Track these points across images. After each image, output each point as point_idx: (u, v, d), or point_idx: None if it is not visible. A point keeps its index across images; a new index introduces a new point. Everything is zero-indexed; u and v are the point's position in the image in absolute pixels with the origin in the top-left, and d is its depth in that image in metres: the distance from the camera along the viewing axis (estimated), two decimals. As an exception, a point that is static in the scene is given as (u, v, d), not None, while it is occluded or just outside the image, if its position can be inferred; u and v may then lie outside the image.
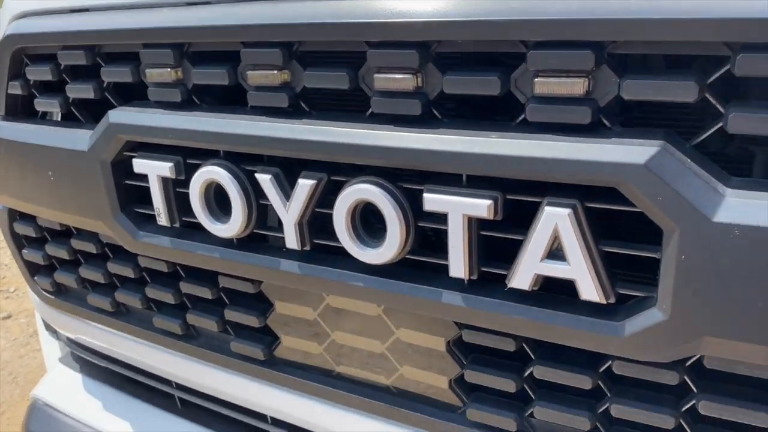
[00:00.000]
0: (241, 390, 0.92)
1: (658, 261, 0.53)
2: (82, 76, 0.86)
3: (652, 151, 0.50)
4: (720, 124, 0.50)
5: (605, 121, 0.55)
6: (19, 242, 1.05)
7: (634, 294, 0.56)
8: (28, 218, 1.01)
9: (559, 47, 0.53)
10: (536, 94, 0.55)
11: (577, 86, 0.53)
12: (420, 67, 0.60)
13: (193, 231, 0.80)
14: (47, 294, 1.06)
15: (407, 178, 0.63)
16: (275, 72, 0.67)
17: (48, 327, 1.25)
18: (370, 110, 0.64)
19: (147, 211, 0.83)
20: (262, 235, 0.76)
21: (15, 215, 1.02)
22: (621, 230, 0.57)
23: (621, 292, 0.56)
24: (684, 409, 0.60)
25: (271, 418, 0.96)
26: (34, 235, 1.01)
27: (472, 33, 0.56)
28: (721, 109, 0.50)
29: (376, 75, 0.62)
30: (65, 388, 1.17)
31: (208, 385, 0.97)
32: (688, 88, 0.50)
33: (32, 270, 1.05)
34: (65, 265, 1.02)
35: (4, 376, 3.33)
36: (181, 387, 1.05)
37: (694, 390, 0.59)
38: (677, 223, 0.50)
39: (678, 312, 0.53)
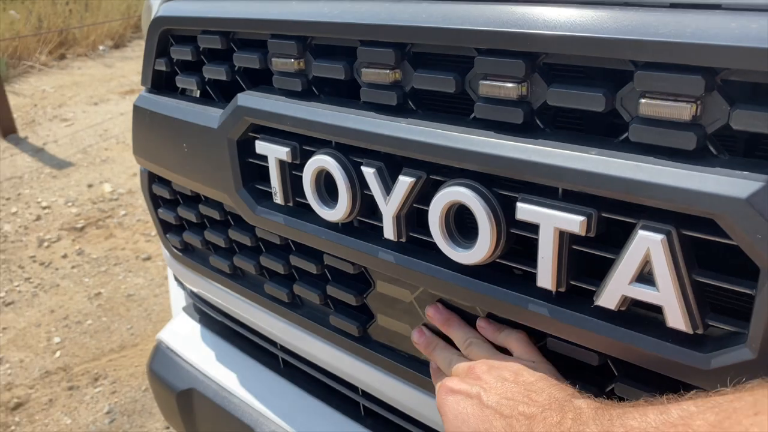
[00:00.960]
0: (336, 360, 0.98)
1: (753, 298, 0.51)
2: (217, 58, 0.94)
3: (756, 186, 0.48)
4: (838, 164, 0.47)
5: (711, 149, 0.53)
6: (156, 202, 1.16)
7: (725, 328, 0.55)
8: (164, 182, 1.12)
9: (669, 70, 0.52)
10: (641, 114, 0.54)
11: (684, 111, 0.51)
12: (525, 77, 0.60)
13: (304, 211, 0.86)
14: (176, 250, 1.17)
15: (503, 185, 0.64)
16: (387, 71, 0.70)
17: (176, 278, 1.38)
18: (473, 115, 0.66)
19: (265, 189, 0.90)
20: (365, 223, 0.80)
21: (154, 178, 1.14)
22: (716, 261, 0.55)
23: (711, 324, 0.55)
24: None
25: (362, 390, 1.02)
26: (168, 197, 1.12)
27: (582, 48, 0.56)
28: (841, 148, 0.47)
29: (482, 81, 0.63)
30: (185, 335, 1.30)
31: (308, 351, 1.04)
32: (805, 124, 0.47)
33: (165, 228, 1.17)
34: (193, 227, 1.12)
35: (141, 312, 3.69)
36: (284, 349, 1.14)
37: (783, 432, 0.56)
38: (774, 262, 0.48)
39: (767, 353, 0.51)
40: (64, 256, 4.28)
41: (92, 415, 2.88)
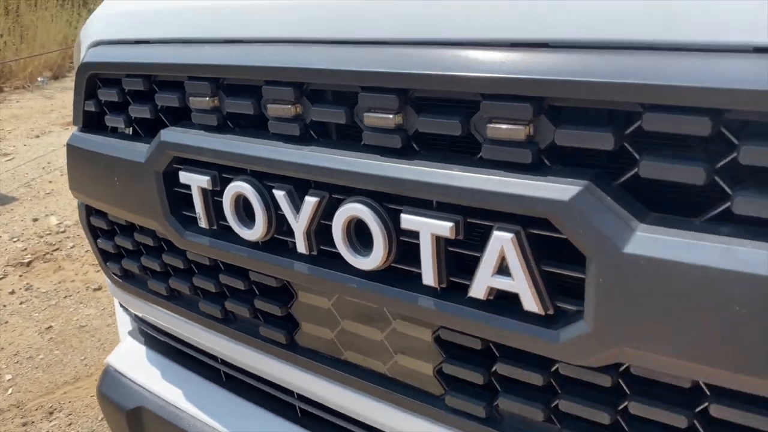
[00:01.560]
0: (270, 368, 1.07)
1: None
2: (142, 98, 1.02)
3: (575, 190, 0.60)
4: (636, 169, 0.59)
5: (546, 161, 0.65)
6: (94, 233, 1.24)
7: (568, 307, 0.66)
8: (101, 213, 1.19)
9: (506, 100, 0.63)
10: (489, 136, 0.66)
11: (520, 132, 0.63)
12: (399, 109, 0.72)
13: (227, 233, 0.95)
14: (117, 278, 1.25)
15: (390, 200, 0.75)
16: (289, 106, 0.80)
17: (120, 304, 1.45)
18: (363, 141, 0.77)
19: (192, 215, 0.99)
20: (281, 240, 0.90)
21: (91, 210, 1.21)
22: (568, 252, 0.67)
23: (559, 305, 0.67)
24: (619, 408, 0.69)
25: (297, 394, 1.11)
26: (105, 228, 1.19)
27: (442, 84, 0.67)
28: (637, 156, 0.59)
29: (365, 114, 0.74)
30: (132, 357, 1.37)
31: (245, 362, 1.13)
32: (606, 138, 0.59)
33: (105, 257, 1.24)
34: (130, 255, 1.20)
35: (94, 342, 3.68)
36: (224, 363, 1.22)
37: (627, 392, 0.68)
38: (594, 251, 0.60)
39: (599, 325, 0.62)
40: (12, 293, 4.22)
41: None
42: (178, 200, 0.99)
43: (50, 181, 6.00)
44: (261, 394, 1.19)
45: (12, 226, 5.15)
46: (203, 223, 0.95)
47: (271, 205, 0.85)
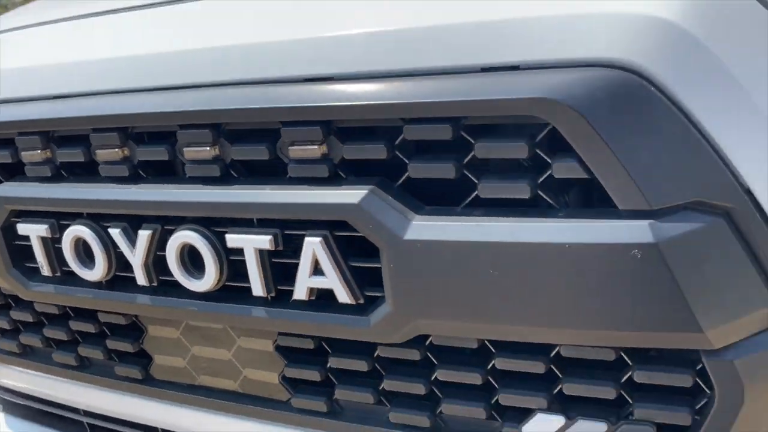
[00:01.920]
0: (131, 408, 1.10)
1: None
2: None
3: (363, 194, 0.72)
4: (407, 172, 0.72)
5: (341, 174, 0.76)
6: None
7: (377, 295, 0.77)
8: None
9: (299, 125, 0.75)
10: (292, 157, 0.77)
11: (314, 151, 0.75)
12: (214, 141, 0.81)
13: (71, 278, 0.99)
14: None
15: (216, 224, 0.84)
16: (116, 150, 0.87)
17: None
18: (187, 174, 0.85)
19: (34, 265, 1.01)
20: (123, 276, 0.95)
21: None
22: (367, 247, 0.78)
23: (367, 294, 0.78)
24: (432, 378, 0.81)
25: (163, 430, 1.14)
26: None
27: (244, 116, 0.78)
28: (406, 161, 0.72)
29: (185, 148, 0.83)
30: (-11, 427, 1.33)
31: (107, 407, 1.14)
32: (380, 149, 0.72)
33: (-51, 324, 1.22)
34: (-24, 317, 1.18)
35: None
36: (87, 413, 1.22)
37: (435, 362, 0.80)
38: (383, 242, 0.72)
39: (397, 305, 0.74)
40: None
41: None
42: (20, 253, 1.02)
43: None
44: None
45: None
46: (46, 272, 0.98)
47: (109, 244, 0.91)
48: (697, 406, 0.70)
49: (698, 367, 0.68)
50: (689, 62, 0.64)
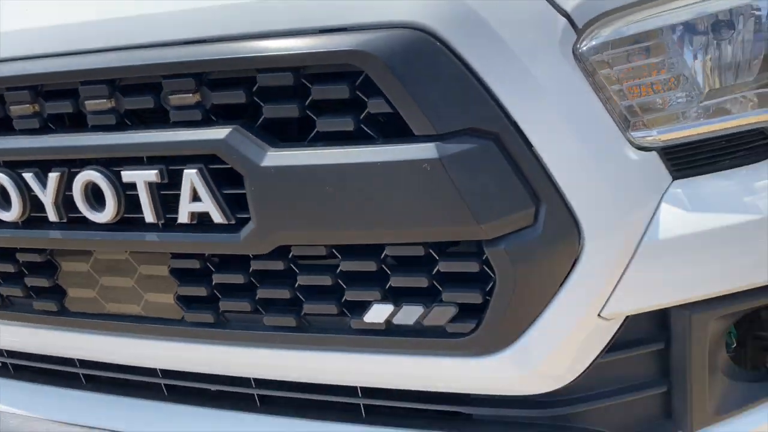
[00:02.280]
0: (52, 340, 1.25)
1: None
2: None
3: (227, 131, 0.91)
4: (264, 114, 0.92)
5: (213, 117, 0.95)
6: None
7: (245, 216, 0.96)
8: None
9: (176, 78, 0.93)
10: (172, 105, 0.95)
11: (188, 98, 0.93)
12: (110, 95, 0.99)
13: (-8, 221, 1.14)
14: None
15: (114, 165, 1.01)
16: (27, 105, 1.03)
17: None
18: (91, 124, 1.02)
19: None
20: (37, 216, 1.11)
21: None
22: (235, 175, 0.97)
23: (238, 215, 0.97)
24: (295, 285, 1.00)
25: (79, 361, 1.29)
26: None
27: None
28: (262, 104, 0.92)
29: (86, 102, 1.00)
30: None
31: (27, 343, 1.29)
32: (239, 95, 0.91)
33: None
34: None
35: None
36: (9, 353, 1.37)
37: (297, 271, 1.00)
38: (245, 170, 0.91)
39: (260, 221, 0.93)
40: None
41: None
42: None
43: None
44: (49, 373, 1.35)
45: None
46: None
47: (23, 187, 1.07)
48: (486, 288, 0.92)
49: (483, 257, 0.90)
50: (467, 25, 0.86)
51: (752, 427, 1.04)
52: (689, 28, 0.94)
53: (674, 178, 0.96)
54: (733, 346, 1.11)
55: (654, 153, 0.94)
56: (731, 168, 0.98)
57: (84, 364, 1.30)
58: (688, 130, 0.95)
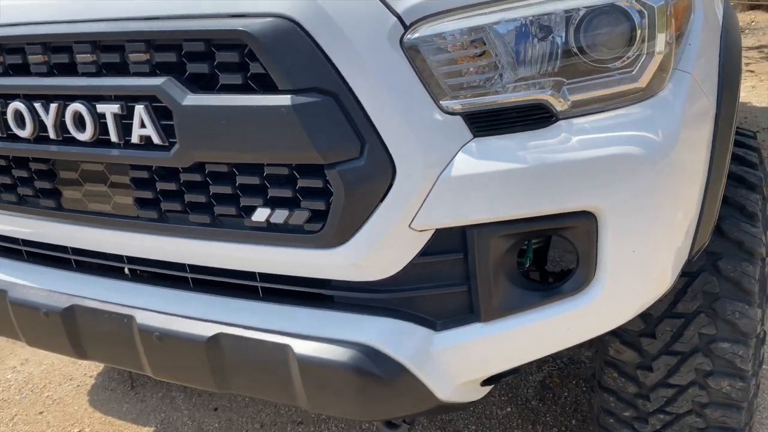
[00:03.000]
0: (51, 230, 1.73)
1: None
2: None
3: (163, 79, 1.35)
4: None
5: (157, 71, 1.39)
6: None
7: (173, 140, 1.40)
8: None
9: (135, 43, 1.38)
10: (131, 61, 1.39)
11: (142, 57, 1.37)
12: (92, 51, 1.44)
13: (13, 139, 1.61)
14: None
15: (93, 100, 1.46)
16: (40, 56, 1.50)
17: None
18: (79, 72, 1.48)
19: (-9, 131, 1.64)
20: (43, 135, 1.57)
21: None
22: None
23: (171, 140, 1.40)
24: (210, 193, 1.44)
25: (71, 248, 1.77)
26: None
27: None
28: (187, 62, 1.35)
29: (78, 55, 1.45)
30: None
31: (34, 233, 1.77)
32: (170, 55, 1.35)
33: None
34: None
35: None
36: (25, 242, 1.85)
37: (210, 182, 1.43)
38: (173, 107, 1.35)
39: (182, 142, 1.37)
40: None
41: None
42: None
43: None
44: (51, 258, 1.84)
45: None
46: (-2, 133, 1.61)
47: (34, 113, 1.53)
48: (329, 200, 1.34)
49: (326, 178, 1.32)
50: (318, 18, 1.27)
51: (528, 323, 1.44)
52: (487, 29, 1.33)
53: (475, 136, 1.35)
54: (527, 265, 1.50)
55: (458, 117, 1.34)
56: (521, 131, 1.37)
57: (75, 251, 1.78)
58: (481, 101, 1.34)
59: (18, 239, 1.87)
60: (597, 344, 1.98)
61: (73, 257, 1.79)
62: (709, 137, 1.54)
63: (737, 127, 2.11)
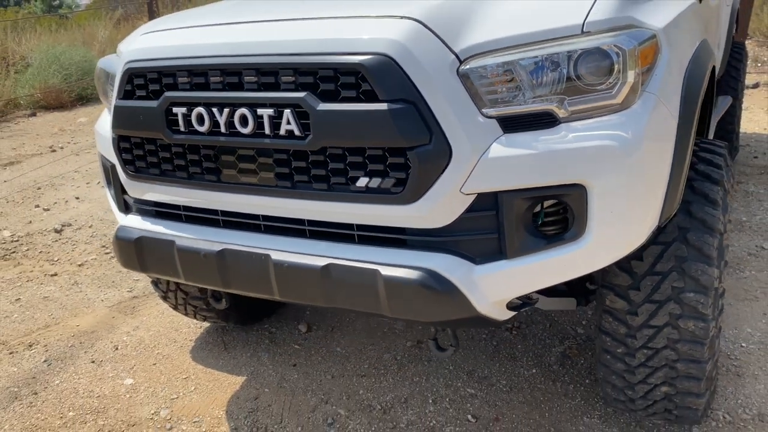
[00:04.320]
0: (213, 198, 2.49)
1: (310, 122, 2.13)
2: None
3: (304, 94, 2.11)
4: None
5: (299, 88, 2.15)
6: (120, 150, 2.63)
7: (308, 133, 2.15)
8: (125, 138, 2.59)
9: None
10: (284, 81, 2.16)
11: (293, 79, 2.14)
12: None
13: (193, 133, 2.39)
14: (131, 173, 2.63)
15: (256, 106, 2.23)
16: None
17: (123, 194, 2.82)
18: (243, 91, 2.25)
19: (176, 127, 2.42)
20: (216, 130, 2.34)
21: (120, 138, 2.61)
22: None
23: (306, 132, 2.15)
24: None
25: (221, 211, 2.53)
26: (127, 146, 2.60)
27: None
28: (320, 84, 2.11)
29: (246, 79, 2.24)
30: (130, 221, 2.75)
31: (200, 201, 2.54)
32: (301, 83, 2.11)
33: (124, 163, 2.63)
34: (139, 158, 2.60)
35: (57, 305, 4.86)
36: (185, 208, 2.62)
37: (329, 161, 2.17)
38: (309, 111, 2.10)
39: (315, 133, 2.12)
40: (-18, 280, 5.27)
41: (33, 365, 4.06)
42: (170, 121, 2.42)
43: (-1, 207, 6.98)
44: (202, 220, 2.60)
45: (-27, 237, 6.12)
46: (182, 129, 2.38)
47: (211, 116, 2.30)
48: (408, 172, 2.06)
49: (407, 157, 2.05)
50: (407, 56, 2.02)
51: (539, 260, 2.12)
52: (514, 63, 2.06)
53: (504, 132, 2.07)
54: (540, 222, 2.19)
55: (494, 120, 2.07)
56: (535, 130, 2.08)
57: (223, 213, 2.54)
58: (510, 110, 2.06)
59: (179, 206, 2.64)
60: (597, 298, 2.64)
61: (221, 218, 2.56)
62: (673, 137, 2.22)
63: (710, 140, 2.80)
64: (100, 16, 19.52)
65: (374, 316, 2.33)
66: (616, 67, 2.05)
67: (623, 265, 2.48)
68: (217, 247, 2.46)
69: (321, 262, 2.24)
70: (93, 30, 16.48)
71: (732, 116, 6.37)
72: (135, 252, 2.67)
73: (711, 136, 3.47)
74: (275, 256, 2.33)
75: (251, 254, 2.38)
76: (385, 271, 2.14)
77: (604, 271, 2.52)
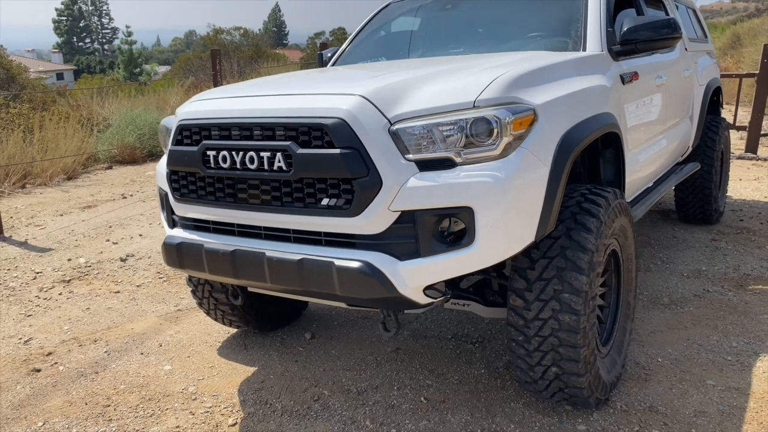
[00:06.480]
0: (229, 216, 3.58)
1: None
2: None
3: (289, 143, 3.19)
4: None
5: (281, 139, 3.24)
6: (171, 180, 3.75)
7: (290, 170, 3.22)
8: (175, 172, 3.72)
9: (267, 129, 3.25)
10: (277, 133, 3.26)
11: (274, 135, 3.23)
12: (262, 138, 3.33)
13: (219, 169, 3.50)
14: (178, 196, 3.74)
15: (258, 151, 3.32)
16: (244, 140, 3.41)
17: (170, 215, 3.94)
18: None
19: (208, 164, 3.53)
20: (235, 167, 3.44)
21: (172, 172, 3.74)
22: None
23: (290, 168, 3.23)
24: (304, 193, 3.24)
25: (237, 224, 3.60)
26: (175, 178, 3.72)
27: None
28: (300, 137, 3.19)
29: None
30: (175, 233, 3.85)
31: (221, 218, 3.63)
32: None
33: (174, 188, 3.75)
34: (184, 186, 3.71)
35: (119, 314, 6.03)
36: (213, 223, 3.71)
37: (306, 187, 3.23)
38: (294, 154, 3.18)
39: (295, 169, 3.19)
40: (60, 294, 6.53)
41: (96, 354, 5.17)
42: (206, 160, 3.53)
43: (76, 240, 8.30)
44: (223, 231, 3.68)
45: (53, 263, 7.43)
46: (212, 165, 3.49)
47: (231, 157, 3.40)
48: (353, 194, 3.09)
49: (353, 185, 3.08)
50: (356, 121, 3.09)
51: (443, 258, 3.08)
52: (430, 126, 3.09)
53: (419, 171, 3.09)
54: (446, 232, 3.15)
55: (413, 162, 3.09)
56: (439, 170, 3.09)
57: (237, 225, 3.61)
58: (424, 156, 3.08)
59: (208, 221, 3.74)
60: (509, 286, 3.55)
61: (237, 229, 3.63)
62: (545, 179, 3.19)
63: (596, 186, 3.75)
64: (173, 84, 21.75)
65: (331, 297, 3.32)
66: (495, 130, 3.06)
67: (521, 273, 3.41)
68: (231, 249, 3.52)
69: (297, 257, 3.27)
70: (166, 95, 18.54)
71: (708, 182, 7.17)
72: (176, 253, 3.76)
73: (625, 189, 4.39)
74: (269, 253, 3.37)
75: (253, 252, 3.43)
76: (338, 262, 3.15)
77: (510, 278, 3.46)
